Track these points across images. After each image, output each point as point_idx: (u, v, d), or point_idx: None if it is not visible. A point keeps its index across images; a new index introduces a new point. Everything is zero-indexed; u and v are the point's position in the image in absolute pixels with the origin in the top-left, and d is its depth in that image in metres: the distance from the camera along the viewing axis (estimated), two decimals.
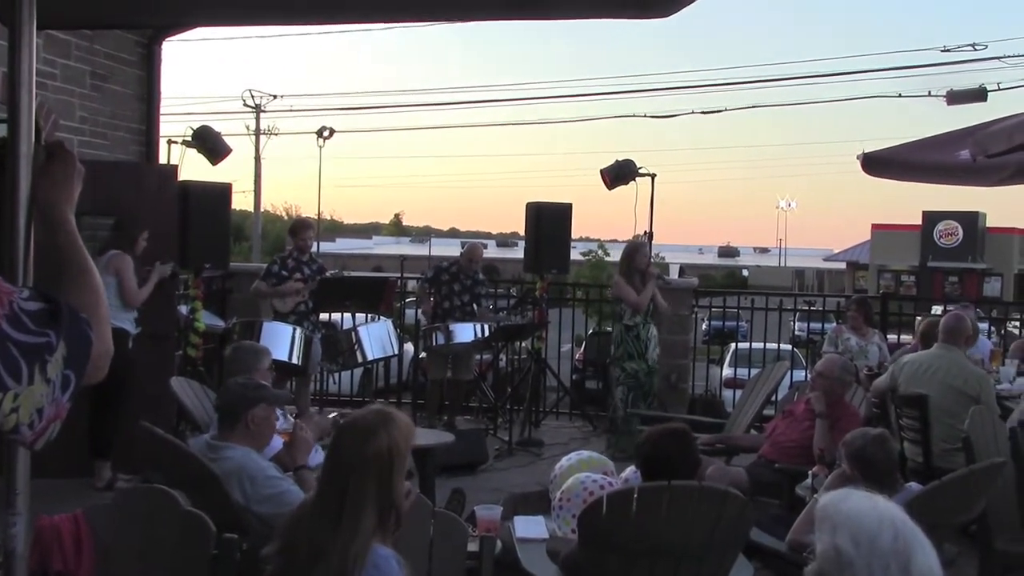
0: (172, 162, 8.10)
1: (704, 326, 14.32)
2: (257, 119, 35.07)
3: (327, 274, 8.54)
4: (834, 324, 9.28)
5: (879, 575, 1.74)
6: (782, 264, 61.98)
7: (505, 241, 67.86)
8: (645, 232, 9.27)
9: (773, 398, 7.14)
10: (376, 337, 7.85)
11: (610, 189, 9.27)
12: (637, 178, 9.27)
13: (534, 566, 3.52)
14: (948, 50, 18.54)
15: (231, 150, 8.49)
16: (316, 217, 42.24)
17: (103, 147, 8.05)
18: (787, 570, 3.95)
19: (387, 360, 8.44)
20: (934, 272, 32.77)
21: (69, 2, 2.55)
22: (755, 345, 11.74)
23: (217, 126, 8.47)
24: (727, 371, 14.11)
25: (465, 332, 8.34)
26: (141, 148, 8.55)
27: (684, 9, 2.32)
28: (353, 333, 7.85)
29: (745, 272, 58.29)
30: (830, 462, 4.51)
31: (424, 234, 72.68)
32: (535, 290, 9.59)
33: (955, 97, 10.15)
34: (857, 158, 6.56)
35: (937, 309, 10.94)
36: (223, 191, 8.07)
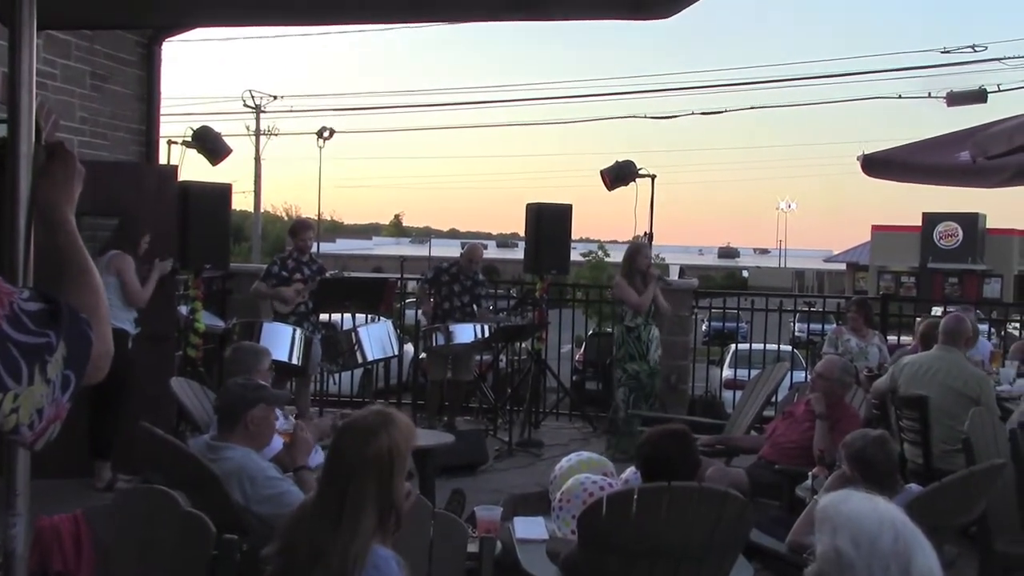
0: (172, 162, 8.10)
1: (704, 327, 14.34)
2: (257, 119, 35.13)
3: (327, 275, 8.54)
4: (834, 325, 9.28)
5: None
6: (782, 265, 62.00)
7: (505, 242, 67.86)
8: (645, 233, 9.27)
9: (773, 399, 7.15)
10: (376, 338, 7.85)
11: (610, 190, 9.28)
12: (637, 179, 9.28)
13: (534, 567, 3.52)
14: (948, 51, 18.57)
15: (231, 150, 8.50)
16: (316, 218, 42.27)
17: (103, 147, 8.05)
18: (787, 571, 3.95)
19: (387, 361, 8.44)
20: (934, 273, 32.79)
21: (69, 2, 2.55)
22: (755, 346, 11.74)
23: (217, 126, 8.49)
24: (727, 372, 14.11)
25: (465, 333, 8.34)
26: (141, 148, 8.55)
27: (685, 10, 2.32)
28: (353, 334, 7.85)
29: (745, 273, 58.32)
30: (830, 463, 4.51)
31: (424, 235, 72.70)
32: (535, 291, 9.59)
33: (955, 98, 10.13)
34: (857, 159, 6.56)
35: (937, 310, 10.94)
36: (223, 191, 8.07)
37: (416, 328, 9.74)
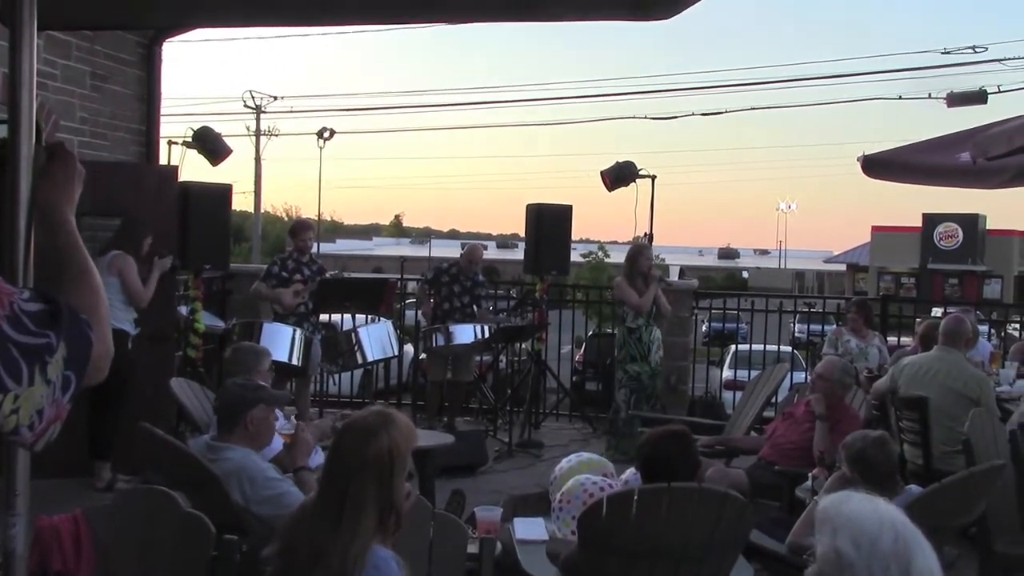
0: (172, 163, 8.11)
1: (704, 328, 14.34)
2: (257, 120, 35.11)
3: (327, 275, 8.54)
4: (834, 326, 9.28)
5: None
6: (782, 266, 62.01)
7: (505, 242, 67.86)
8: (645, 234, 9.28)
9: (773, 400, 7.15)
10: (376, 338, 7.85)
11: (610, 191, 9.28)
12: (637, 180, 9.28)
13: (534, 568, 3.52)
14: (948, 52, 18.55)
15: (231, 151, 8.51)
16: (316, 218, 42.26)
17: (103, 148, 8.05)
18: (787, 572, 3.95)
19: (387, 361, 8.43)
20: (934, 274, 32.78)
21: (70, 3, 2.55)
22: (755, 347, 11.75)
23: (217, 127, 8.50)
24: (727, 373, 14.11)
25: (465, 333, 8.34)
26: (141, 149, 8.55)
27: (686, 11, 2.32)
28: (353, 334, 7.85)
29: (745, 274, 58.33)
30: (830, 464, 4.51)
31: (424, 235, 72.69)
32: (535, 291, 9.59)
33: (955, 99, 10.14)
34: (857, 160, 6.56)
35: (937, 311, 10.94)
36: (223, 192, 8.07)
37: (416, 329, 9.74)
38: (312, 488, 3.08)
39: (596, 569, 3.34)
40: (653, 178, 9.27)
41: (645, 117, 22.96)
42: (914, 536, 1.79)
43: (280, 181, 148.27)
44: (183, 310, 8.03)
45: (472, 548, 3.29)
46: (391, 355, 8.19)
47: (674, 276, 13.75)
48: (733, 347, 15.00)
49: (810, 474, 4.61)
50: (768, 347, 10.67)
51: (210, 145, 8.22)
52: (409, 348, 10.24)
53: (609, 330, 12.77)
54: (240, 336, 7.12)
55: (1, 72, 6.09)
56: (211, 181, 8.12)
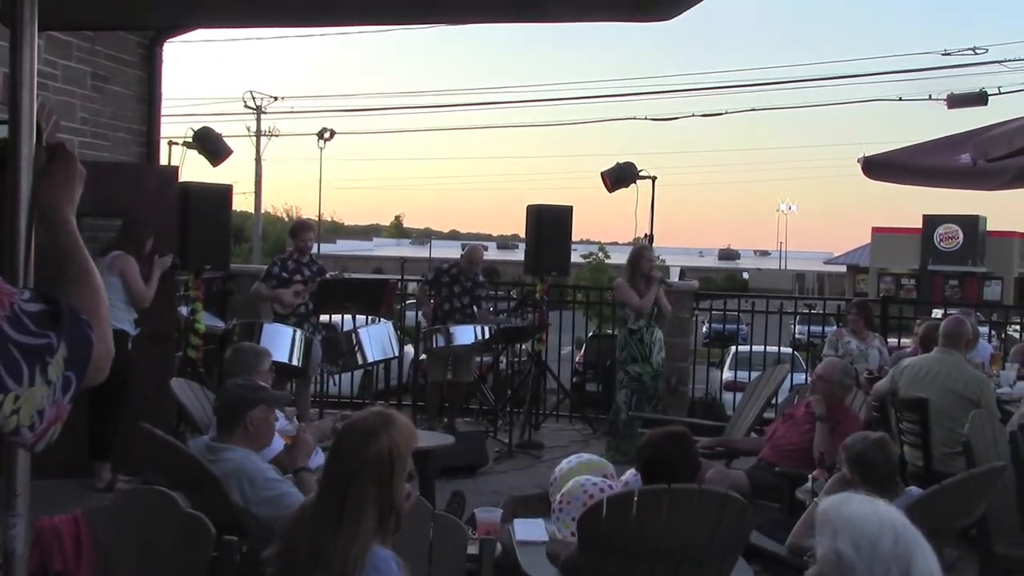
0: (173, 163, 8.10)
1: (704, 329, 14.32)
2: (258, 120, 35.07)
3: (327, 276, 8.54)
4: (834, 327, 9.28)
5: None
6: (782, 267, 62.00)
7: (506, 243, 67.87)
8: (646, 235, 9.28)
9: (773, 401, 7.14)
10: (376, 339, 7.85)
11: (611, 192, 9.28)
12: (638, 181, 9.28)
13: (534, 569, 3.52)
14: (949, 54, 18.56)
15: (232, 151, 8.50)
16: (316, 219, 42.23)
17: (104, 148, 8.05)
18: (787, 574, 3.95)
19: (387, 362, 8.43)
20: (934, 276, 32.74)
21: (70, 3, 2.55)
22: (755, 348, 11.74)
23: (218, 127, 8.50)
24: (727, 374, 14.11)
25: (465, 334, 8.34)
26: (142, 149, 8.55)
27: (686, 12, 2.32)
28: (353, 335, 7.86)
29: (745, 275, 58.31)
30: (830, 466, 4.51)
31: (424, 236, 72.71)
32: (535, 292, 9.59)
33: (956, 101, 10.12)
34: (858, 161, 6.56)
35: (937, 313, 10.94)
36: (224, 192, 8.07)
37: (416, 329, 9.74)
38: (312, 489, 3.08)
39: (596, 570, 3.34)
40: (653, 179, 9.27)
41: (645, 118, 22.97)
42: (914, 538, 1.79)
43: (280, 181, 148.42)
44: (183, 310, 8.03)
45: (472, 549, 3.29)
46: (391, 356, 8.19)
47: (674, 277, 13.75)
48: (733, 348, 14.98)
49: (810, 475, 4.61)
50: (768, 348, 10.67)
51: (210, 145, 8.22)
52: (409, 349, 10.24)
53: (609, 331, 12.77)
54: (240, 337, 7.12)
55: (2, 72, 6.09)
56: (211, 181, 8.12)
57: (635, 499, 3.28)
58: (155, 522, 3.06)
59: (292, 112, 54.54)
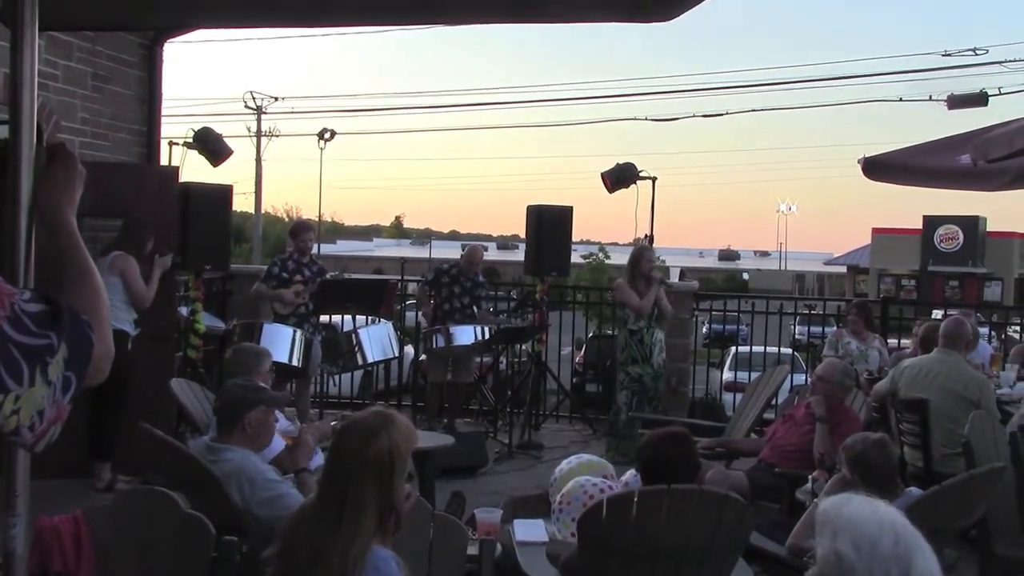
0: (173, 164, 8.10)
1: (704, 329, 14.31)
2: (258, 121, 35.06)
3: (328, 276, 8.54)
4: (834, 328, 9.28)
5: None
6: (782, 268, 61.98)
7: (506, 244, 67.84)
8: (646, 235, 9.28)
9: (773, 402, 7.14)
10: (376, 339, 7.86)
11: (611, 192, 9.28)
12: (638, 181, 9.28)
13: (534, 569, 3.52)
14: (949, 54, 18.56)
15: (232, 152, 8.50)
16: (317, 219, 42.24)
17: (104, 148, 8.05)
18: (787, 575, 3.95)
19: (387, 362, 8.43)
20: (935, 276, 32.73)
21: (71, 3, 2.56)
22: (755, 349, 11.73)
23: (218, 128, 8.49)
24: (727, 375, 14.11)
25: (465, 334, 8.34)
26: (142, 149, 8.55)
27: (686, 12, 2.32)
28: (353, 335, 7.86)
29: (745, 275, 58.27)
30: (830, 466, 4.51)
31: (425, 236, 72.73)
32: (535, 293, 9.59)
33: (956, 101, 10.11)
34: (858, 162, 6.55)
35: (938, 313, 10.93)
36: (224, 193, 8.07)
37: (416, 330, 9.74)
38: (312, 490, 3.08)
39: (596, 571, 3.34)
40: (654, 179, 9.27)
41: (646, 119, 23.01)
42: (914, 538, 1.79)
43: (281, 182, 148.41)
44: (183, 311, 8.03)
45: (472, 550, 3.29)
46: (391, 356, 8.19)
47: (674, 278, 13.74)
48: (733, 349, 14.98)
49: (810, 476, 4.60)
50: (768, 349, 10.66)
51: (211, 146, 8.22)
52: (409, 349, 10.24)
53: (609, 332, 12.77)
54: (240, 337, 7.12)
55: (2, 72, 6.09)
56: (212, 182, 8.12)
57: (635, 500, 3.28)
58: (155, 522, 3.07)
59: (292, 112, 54.44)
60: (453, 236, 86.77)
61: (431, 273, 9.16)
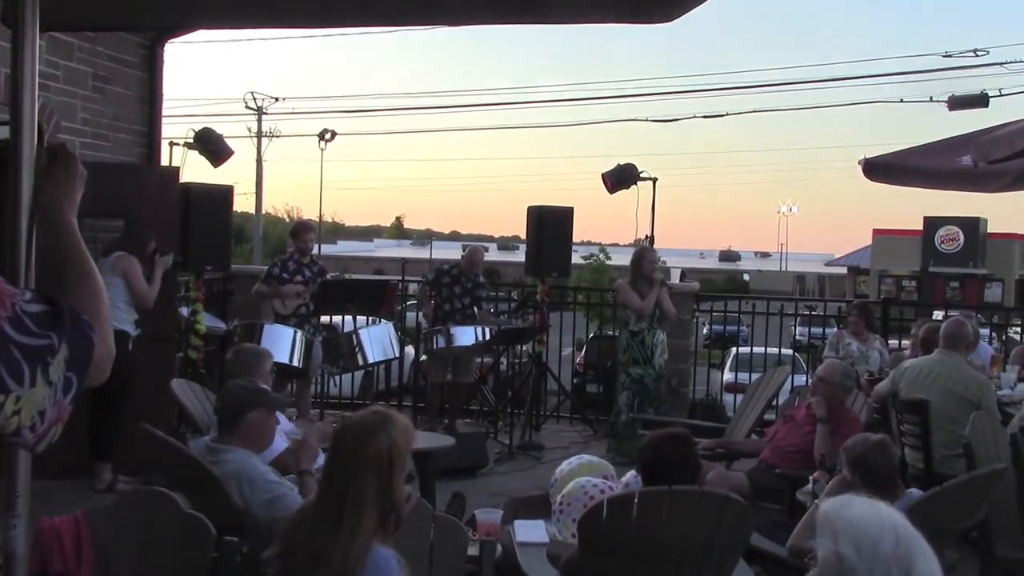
0: (174, 164, 8.10)
1: (705, 330, 14.31)
2: (259, 121, 35.07)
3: (328, 276, 8.54)
4: (835, 329, 9.28)
5: None
6: (783, 269, 61.96)
7: (506, 244, 67.85)
8: (646, 236, 9.29)
9: (774, 403, 7.14)
10: (377, 340, 7.86)
11: (611, 193, 9.28)
12: (638, 182, 9.28)
13: (534, 570, 3.52)
14: (950, 55, 18.55)
15: (233, 152, 8.50)
16: (317, 219, 42.25)
17: (105, 149, 8.05)
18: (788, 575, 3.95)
19: (388, 363, 8.44)
20: (935, 277, 32.73)
21: (72, 4, 2.56)
22: (756, 350, 11.73)
23: (219, 128, 8.49)
24: (728, 375, 14.09)
25: (466, 335, 8.35)
26: (143, 150, 8.55)
27: (686, 14, 2.32)
28: (354, 336, 7.86)
29: (746, 276, 58.27)
30: (831, 468, 4.51)
31: (425, 237, 72.72)
32: (536, 293, 9.59)
33: (957, 103, 10.13)
34: (859, 163, 6.56)
35: (938, 314, 10.94)
36: (225, 193, 8.07)
37: (417, 330, 9.75)
38: (313, 492, 3.08)
39: (596, 572, 3.34)
40: (654, 180, 9.27)
41: (646, 119, 23.02)
42: (915, 540, 1.79)
43: (281, 182, 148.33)
44: (184, 311, 8.03)
45: (472, 550, 3.29)
46: (392, 357, 8.20)
47: (675, 278, 13.75)
48: (734, 350, 14.97)
49: (811, 477, 4.60)
50: (769, 350, 10.66)
51: (212, 146, 8.22)
52: (410, 350, 10.24)
53: (610, 332, 12.76)
54: (241, 338, 7.12)
55: (3, 73, 6.09)
56: (212, 182, 8.12)
57: (636, 501, 3.28)
58: (155, 523, 3.06)
59: (293, 113, 54.48)
60: (454, 237, 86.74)
61: (432, 274, 9.16)
